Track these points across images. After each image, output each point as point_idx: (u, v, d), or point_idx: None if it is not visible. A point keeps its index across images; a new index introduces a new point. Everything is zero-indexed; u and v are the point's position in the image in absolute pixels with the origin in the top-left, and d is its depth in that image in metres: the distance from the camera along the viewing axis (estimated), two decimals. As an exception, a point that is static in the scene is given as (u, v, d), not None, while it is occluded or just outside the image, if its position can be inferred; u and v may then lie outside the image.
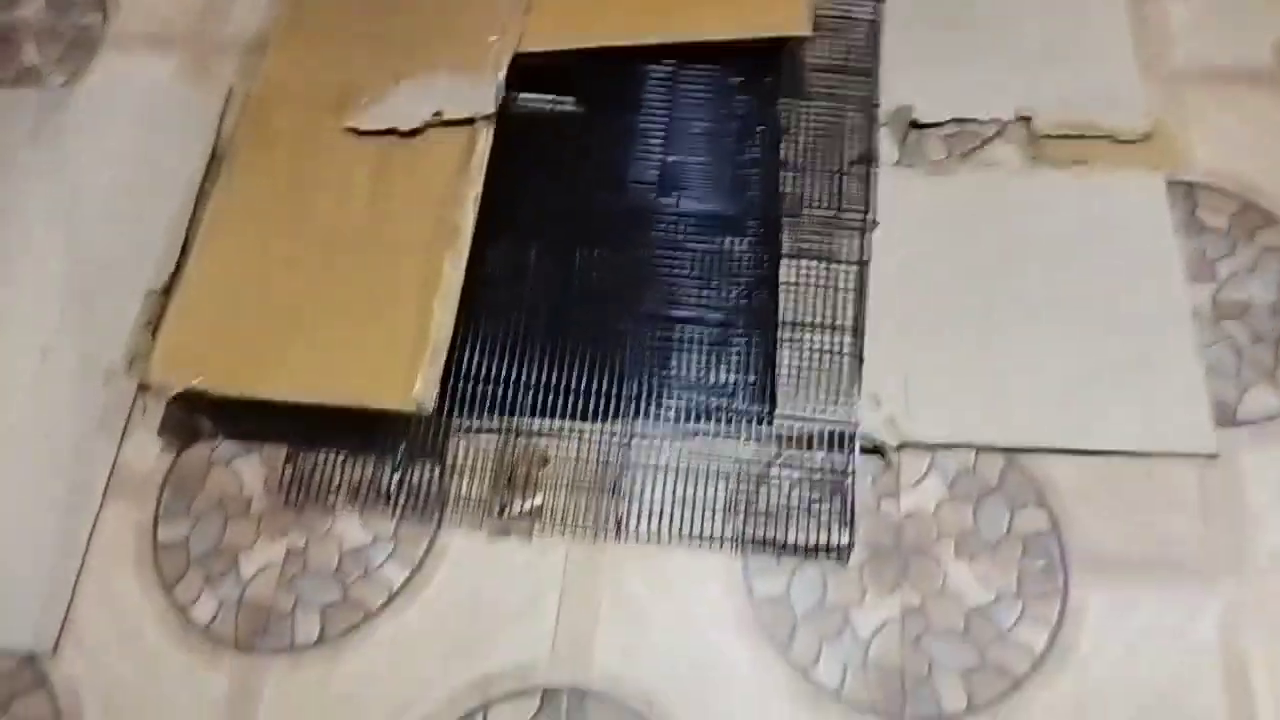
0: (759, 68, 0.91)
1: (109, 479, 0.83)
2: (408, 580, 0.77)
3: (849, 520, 0.75)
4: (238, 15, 1.07)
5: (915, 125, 0.92)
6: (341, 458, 0.81)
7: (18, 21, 1.10)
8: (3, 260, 0.93)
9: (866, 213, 0.87)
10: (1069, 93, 0.92)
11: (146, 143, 0.99)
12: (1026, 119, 0.91)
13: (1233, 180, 0.88)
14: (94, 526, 0.81)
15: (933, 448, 0.78)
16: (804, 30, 0.87)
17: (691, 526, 0.77)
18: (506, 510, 0.78)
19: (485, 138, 0.84)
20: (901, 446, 0.78)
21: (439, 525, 0.79)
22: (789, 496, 0.77)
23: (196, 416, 0.83)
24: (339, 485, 0.80)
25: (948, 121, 0.92)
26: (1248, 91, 0.92)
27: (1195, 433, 0.76)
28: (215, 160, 0.95)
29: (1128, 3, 0.98)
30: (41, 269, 0.92)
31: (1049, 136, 0.90)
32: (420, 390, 0.73)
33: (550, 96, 0.91)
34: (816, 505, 0.76)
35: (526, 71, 0.89)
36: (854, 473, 0.77)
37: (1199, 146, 0.89)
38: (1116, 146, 0.89)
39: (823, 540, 0.75)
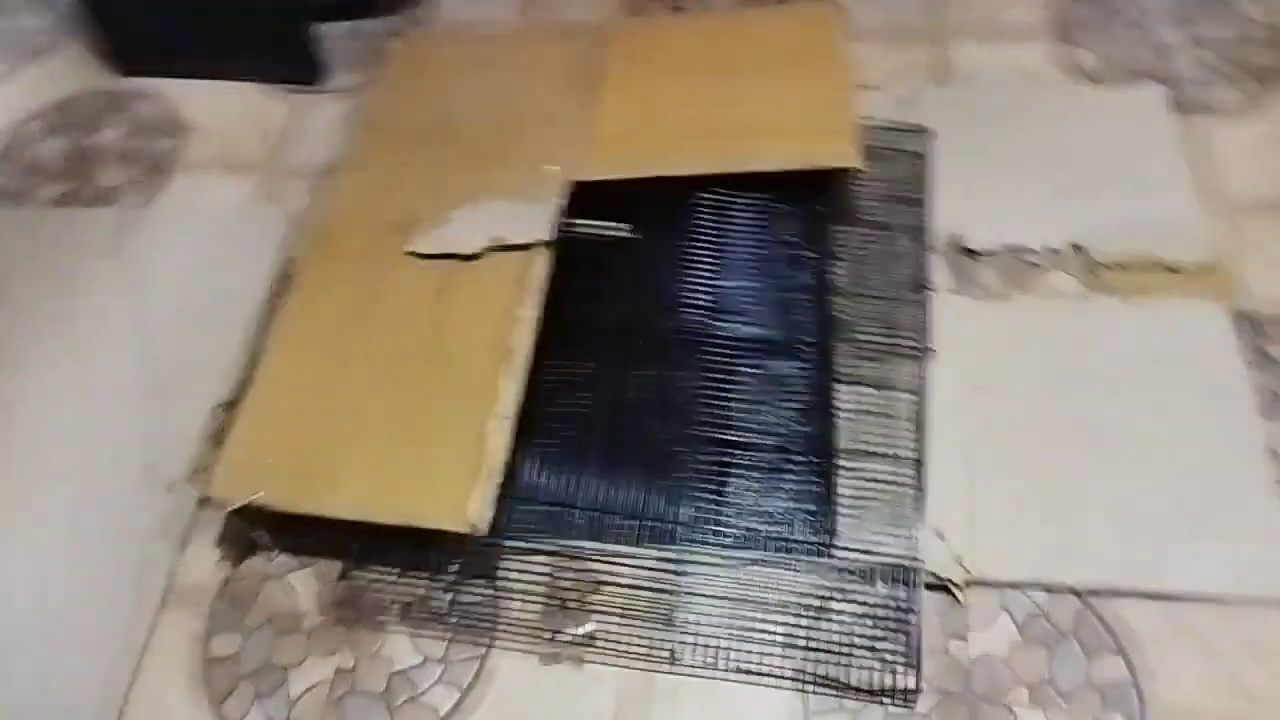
0: (810, 196, 0.93)
1: (166, 588, 0.83)
2: (456, 705, 0.75)
3: (915, 661, 0.72)
4: (309, 143, 1.13)
5: (967, 252, 0.93)
6: (395, 576, 0.80)
7: (99, 144, 1.17)
8: (79, 370, 0.95)
9: (923, 339, 0.87)
10: (1124, 222, 0.93)
11: (217, 261, 1.02)
12: (1080, 248, 0.91)
13: (1299, 312, 0.87)
14: (149, 635, 0.80)
15: (1001, 586, 0.75)
16: (854, 163, 0.89)
17: (748, 660, 0.74)
18: (558, 635, 0.77)
19: (542, 262, 0.86)
20: (969, 584, 0.75)
21: (489, 648, 0.77)
22: (851, 633, 0.74)
23: (254, 530, 0.83)
24: (391, 604, 0.80)
25: (1000, 250, 0.92)
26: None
27: (1278, 577, 0.73)
28: (282, 280, 0.98)
29: (1180, 131, 0.99)
30: (114, 379, 0.95)
31: (1105, 266, 0.90)
32: (474, 511, 0.73)
33: (606, 223, 0.93)
34: (880, 644, 0.74)
35: (583, 198, 0.92)
36: (919, 610, 0.74)
37: (1263, 278, 0.89)
38: (1176, 277, 0.89)
39: (887, 683, 0.72)
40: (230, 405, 0.89)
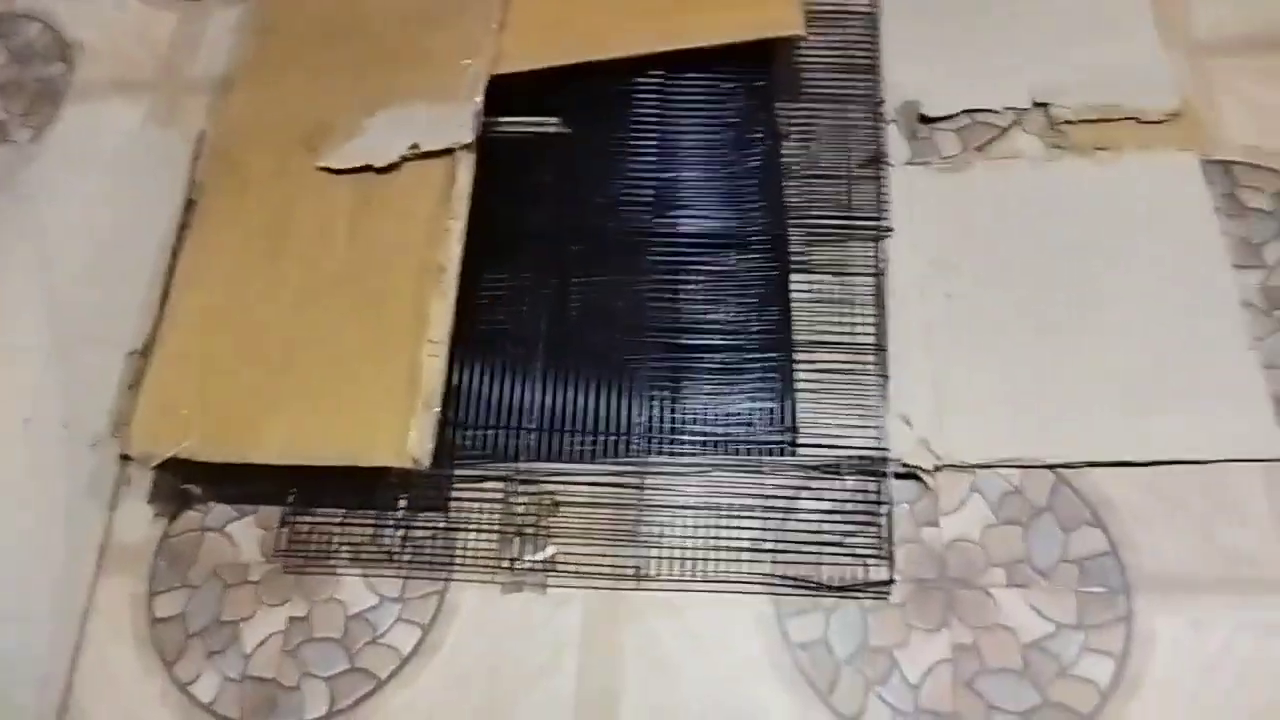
0: (752, 71, 0.86)
1: (102, 550, 0.79)
2: (418, 644, 0.72)
3: (887, 553, 0.70)
4: (205, 53, 1.03)
5: (924, 120, 0.87)
6: (340, 518, 0.76)
7: (-21, 76, 1.06)
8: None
9: (879, 219, 0.81)
10: (1087, 74, 0.86)
11: (120, 192, 0.94)
12: (1044, 105, 0.85)
13: (1274, 156, 0.82)
14: (89, 601, 0.77)
15: (973, 468, 0.73)
16: (797, 29, 0.81)
17: (716, 569, 0.71)
18: (518, 562, 0.73)
19: (466, 168, 0.79)
20: (939, 469, 0.73)
21: (448, 582, 0.74)
22: (820, 530, 0.72)
23: (186, 482, 0.78)
24: (339, 547, 0.76)
25: (959, 114, 0.87)
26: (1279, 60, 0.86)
27: (1257, 436, 0.70)
28: (190, 207, 0.91)
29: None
30: (19, 331, 0.88)
31: (1070, 122, 0.84)
32: (415, 444, 0.68)
33: (533, 119, 0.86)
34: (850, 538, 0.71)
35: (507, 93, 0.84)
36: (889, 501, 0.71)
37: (1232, 122, 0.84)
38: (1143, 128, 0.84)
39: (860, 576, 0.70)
40: (145, 351, 0.83)
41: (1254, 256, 0.78)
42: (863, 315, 0.78)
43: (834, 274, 0.80)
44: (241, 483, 0.77)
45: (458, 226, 0.77)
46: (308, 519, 0.77)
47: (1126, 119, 0.84)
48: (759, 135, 0.85)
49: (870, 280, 0.79)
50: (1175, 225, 0.79)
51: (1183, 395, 0.72)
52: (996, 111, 0.86)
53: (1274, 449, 0.70)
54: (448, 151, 0.81)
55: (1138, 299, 0.76)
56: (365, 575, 0.75)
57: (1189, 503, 0.70)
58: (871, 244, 0.81)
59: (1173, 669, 0.65)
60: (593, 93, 0.86)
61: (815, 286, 0.80)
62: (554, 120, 0.87)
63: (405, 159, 0.81)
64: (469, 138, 0.80)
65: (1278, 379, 0.73)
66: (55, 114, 1.02)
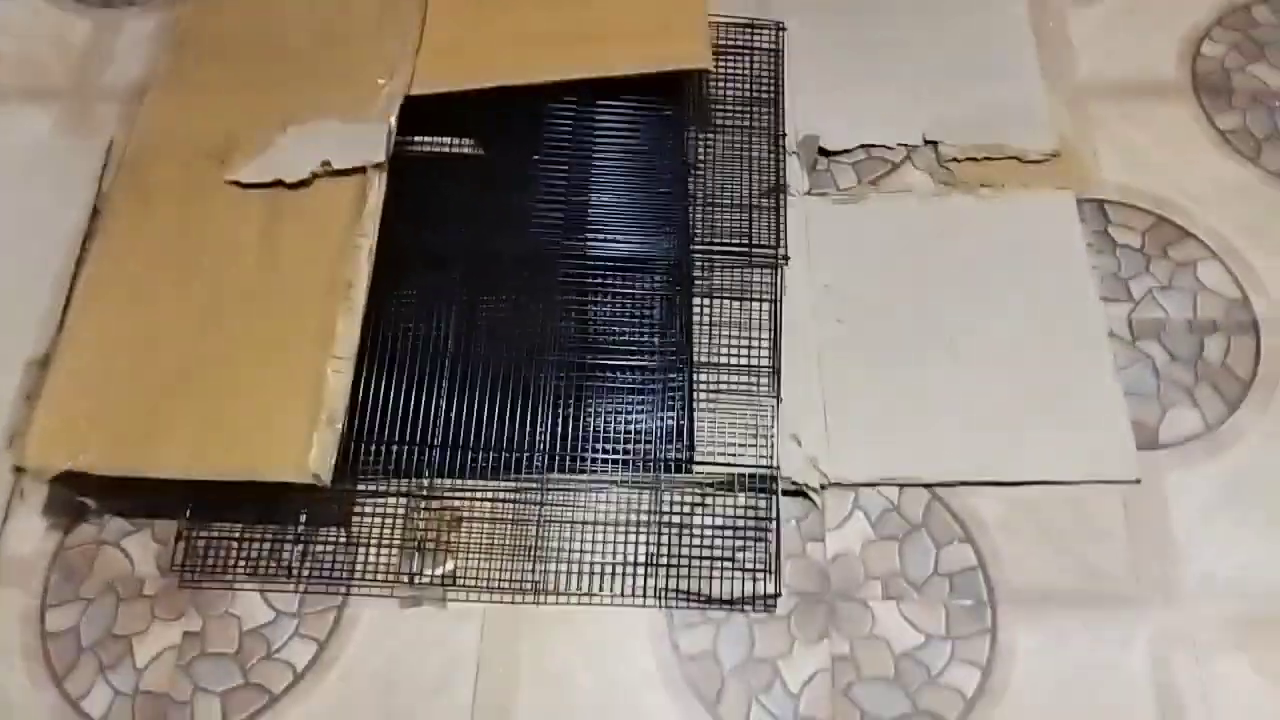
0: (662, 102, 0.89)
1: (-8, 564, 0.77)
2: (314, 658, 0.73)
3: (774, 567, 0.73)
4: (119, 62, 1.02)
5: (824, 153, 0.91)
6: (238, 532, 0.77)
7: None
8: None
9: (778, 247, 0.85)
10: (975, 114, 0.92)
11: (23, 201, 0.93)
12: (934, 143, 0.90)
13: (1143, 196, 0.88)
14: (-23, 617, 0.75)
15: (856, 486, 0.76)
16: (705, 64, 0.85)
17: (612, 584, 0.74)
18: (417, 577, 0.74)
19: (377, 186, 0.80)
20: (825, 487, 0.76)
21: (346, 597, 0.75)
22: (712, 545, 0.74)
23: (82, 495, 0.78)
24: (237, 561, 0.76)
25: (856, 148, 0.91)
26: (1154, 104, 0.93)
27: (1117, 459, 0.75)
28: (96, 217, 0.90)
29: (1029, 18, 0.97)
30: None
31: (957, 160, 0.89)
32: (316, 459, 0.69)
33: (446, 139, 0.88)
34: (741, 554, 0.74)
35: (421, 114, 0.86)
36: (777, 517, 0.74)
37: (1108, 162, 0.89)
38: (1025, 166, 0.89)
39: (749, 590, 0.73)
40: (45, 362, 0.82)
41: (1122, 290, 0.83)
42: (759, 339, 0.81)
43: (733, 299, 0.83)
44: (138, 496, 0.77)
45: (367, 244, 0.79)
46: (205, 533, 0.77)
47: (1009, 158, 0.89)
48: (667, 163, 0.88)
49: (767, 306, 0.83)
50: (1050, 259, 0.84)
51: (1051, 420, 0.77)
52: (890, 147, 0.91)
53: (1131, 472, 0.75)
54: (360, 170, 0.82)
55: (1013, 328, 0.81)
56: (262, 590, 0.75)
57: (1053, 522, 0.74)
58: (770, 271, 0.84)
59: (1033, 679, 0.69)
60: (506, 116, 0.88)
61: (715, 311, 0.83)
62: (467, 142, 0.89)
63: (317, 176, 0.82)
64: (381, 157, 0.81)
65: (1138, 405, 0.78)
66: (-42, 119, 1.00)
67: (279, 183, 0.82)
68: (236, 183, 0.82)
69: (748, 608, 0.73)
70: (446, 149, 0.88)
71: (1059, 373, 0.79)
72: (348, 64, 0.88)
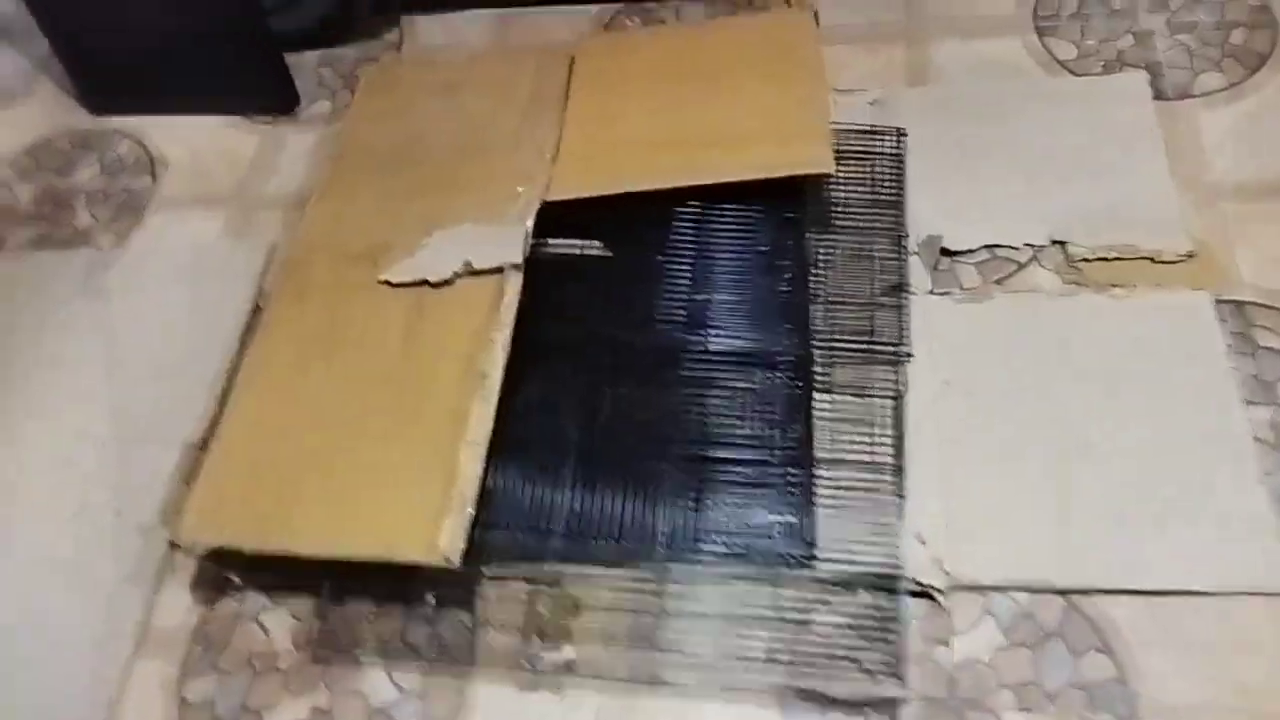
0: (784, 204, 0.92)
1: (139, 634, 0.82)
2: (436, 740, 0.74)
3: (898, 670, 0.71)
4: (282, 173, 1.12)
5: (946, 253, 0.91)
6: (370, 610, 0.79)
7: (72, 186, 1.16)
8: (49, 413, 0.95)
9: (900, 344, 0.85)
10: (1103, 214, 0.91)
11: (191, 298, 1.02)
12: (1061, 243, 0.90)
13: (1283, 297, 0.85)
14: (122, 684, 0.79)
15: (984, 589, 0.74)
16: (827, 169, 0.87)
17: (730, 679, 0.73)
18: (536, 662, 0.75)
19: (514, 285, 0.85)
20: (951, 589, 0.74)
21: (468, 679, 0.76)
22: (833, 644, 0.73)
23: (228, 570, 0.82)
24: (367, 639, 0.78)
25: (979, 248, 0.91)
26: (1291, 205, 0.90)
27: (1266, 568, 0.71)
28: (257, 314, 0.97)
29: (1158, 119, 0.97)
30: (85, 421, 0.94)
31: (1086, 260, 0.88)
32: (446, 542, 0.72)
33: (578, 241, 0.93)
34: (863, 654, 0.72)
35: (554, 218, 0.91)
36: (901, 618, 0.73)
37: (1245, 264, 0.87)
38: (1157, 266, 0.87)
39: (871, 693, 0.71)
40: (202, 445, 0.88)
41: (1266, 393, 0.80)
42: (881, 435, 0.81)
43: (855, 394, 0.83)
44: (279, 572, 0.80)
45: (502, 337, 0.83)
46: (338, 611, 0.80)
47: (1142, 258, 0.88)
48: (788, 262, 0.90)
49: (890, 402, 0.83)
50: (1187, 360, 0.81)
51: (1192, 525, 0.73)
52: (1015, 248, 0.91)
53: (1283, 583, 0.70)
54: (498, 269, 0.87)
55: (1149, 429, 0.78)
56: (389, 668, 0.77)
57: (1198, 634, 0.70)
58: (892, 367, 0.84)
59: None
60: (634, 219, 0.92)
61: (837, 406, 0.83)
62: (596, 244, 0.93)
63: (459, 275, 0.87)
64: (519, 257, 0.87)
65: (1288, 514, 0.74)
66: (138, 222, 1.11)
67: (424, 282, 0.87)
68: (387, 282, 0.88)
69: (870, 711, 0.70)
70: (578, 251, 0.93)
71: (1200, 476, 0.75)
72: (489, 173, 0.95)
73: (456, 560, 0.72)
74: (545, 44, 1.19)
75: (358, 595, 0.80)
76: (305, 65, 1.23)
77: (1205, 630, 0.70)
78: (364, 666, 0.77)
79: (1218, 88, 1.00)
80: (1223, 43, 1.03)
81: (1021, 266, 0.90)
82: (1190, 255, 0.87)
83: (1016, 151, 0.97)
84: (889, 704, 0.70)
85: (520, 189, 0.92)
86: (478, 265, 0.87)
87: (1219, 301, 0.85)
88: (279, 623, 0.81)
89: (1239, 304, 0.85)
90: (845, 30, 1.12)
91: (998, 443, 0.80)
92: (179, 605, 0.83)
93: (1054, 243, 0.90)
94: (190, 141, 1.18)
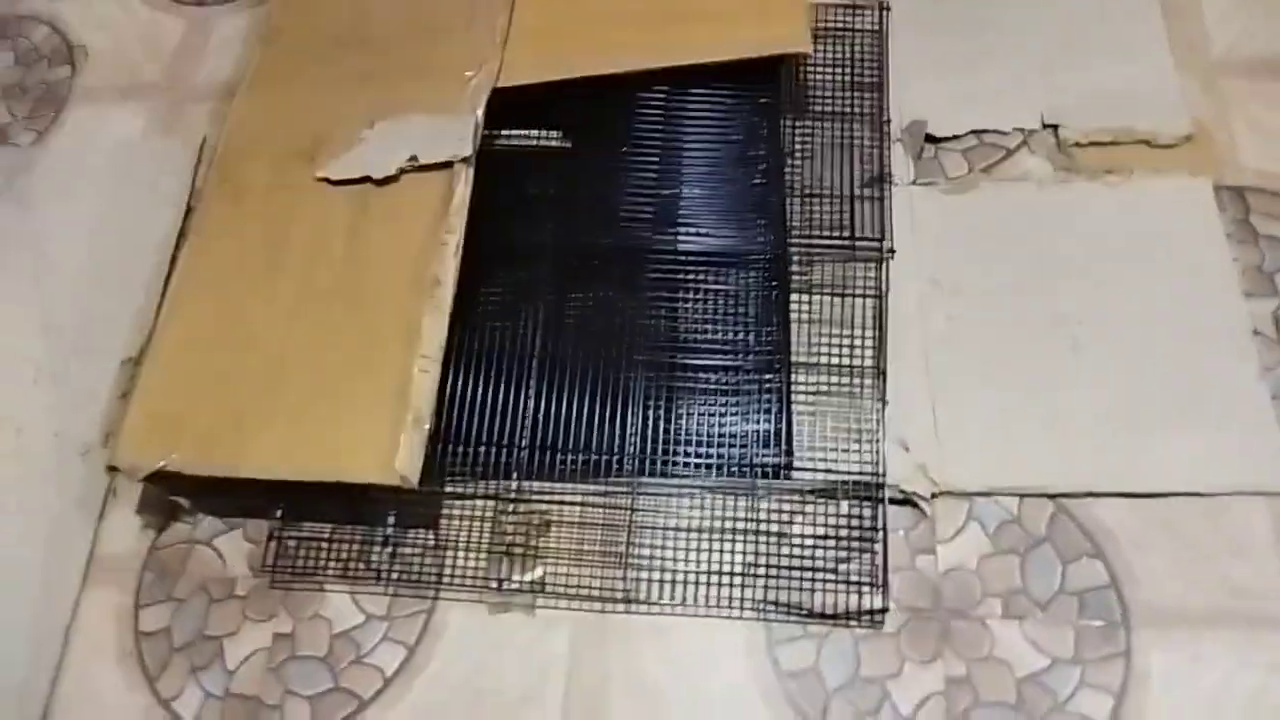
0: (757, 88, 0.85)
1: (88, 562, 0.78)
2: (403, 664, 0.71)
3: (881, 581, 0.68)
4: (210, 61, 1.03)
5: (931, 140, 0.86)
6: (328, 533, 0.75)
7: (-16, 78, 1.07)
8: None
9: (883, 240, 0.80)
10: (1098, 95, 0.85)
11: (119, 200, 0.94)
12: (1053, 127, 0.84)
13: (1287, 181, 0.80)
14: (73, 614, 0.76)
15: (970, 495, 0.71)
16: (803, 47, 0.80)
17: (707, 594, 0.70)
18: (506, 583, 0.72)
19: (464, 181, 0.78)
20: (936, 495, 0.71)
21: (435, 601, 0.73)
22: (813, 556, 0.70)
23: (175, 494, 0.78)
24: (327, 562, 0.75)
25: (966, 134, 0.85)
26: (1295, 84, 0.85)
27: (1265, 467, 0.68)
28: (190, 215, 0.90)
29: (1158, -11, 0.90)
30: (13, 338, 0.87)
31: (1079, 145, 0.83)
32: (404, 462, 0.67)
33: (535, 132, 0.86)
34: (844, 565, 0.70)
35: (509, 106, 0.83)
36: (884, 527, 0.70)
37: (1245, 147, 0.82)
38: (1155, 151, 0.82)
39: (853, 604, 0.68)
40: (138, 360, 0.82)
41: (1266, 285, 0.76)
42: (862, 337, 0.77)
43: (834, 295, 0.79)
44: (230, 496, 0.76)
45: (454, 240, 0.77)
46: (295, 534, 0.76)
47: (1138, 142, 0.83)
48: (762, 153, 0.84)
49: (871, 302, 0.78)
50: (1185, 251, 0.77)
51: (1189, 425, 0.71)
52: (1004, 132, 0.85)
53: (1280, 483, 0.68)
54: (447, 164, 0.80)
55: (1144, 325, 0.75)
56: (353, 592, 0.74)
57: (1192, 536, 0.68)
58: (873, 265, 0.80)
59: (1172, 707, 0.63)
60: (595, 107, 0.85)
61: (815, 307, 0.78)
62: (555, 134, 0.86)
63: (404, 171, 0.80)
64: (468, 151, 0.79)
65: (1287, 411, 0.71)
66: (58, 118, 1.02)
67: (366, 179, 0.81)
68: (325, 180, 0.81)
69: (853, 623, 0.68)
70: (534, 142, 0.86)
71: (1197, 373, 0.72)
72: (435, 58, 0.87)
73: (414, 480, 0.68)
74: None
75: (315, 517, 0.76)
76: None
77: (1201, 532, 0.68)
78: (325, 591, 0.74)
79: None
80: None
81: (1010, 153, 0.85)
82: (1189, 138, 0.82)
83: (1007, 29, 0.90)
84: (873, 616, 0.68)
85: (470, 74, 0.84)
86: (424, 159, 0.80)
87: (1219, 188, 0.80)
88: (234, 548, 0.77)
89: (1239, 190, 0.80)
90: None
91: (986, 343, 0.76)
92: (127, 531, 0.79)
93: (1045, 126, 0.85)
94: (111, 26, 1.08)
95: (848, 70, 0.89)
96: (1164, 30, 0.88)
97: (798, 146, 0.85)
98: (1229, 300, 0.75)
